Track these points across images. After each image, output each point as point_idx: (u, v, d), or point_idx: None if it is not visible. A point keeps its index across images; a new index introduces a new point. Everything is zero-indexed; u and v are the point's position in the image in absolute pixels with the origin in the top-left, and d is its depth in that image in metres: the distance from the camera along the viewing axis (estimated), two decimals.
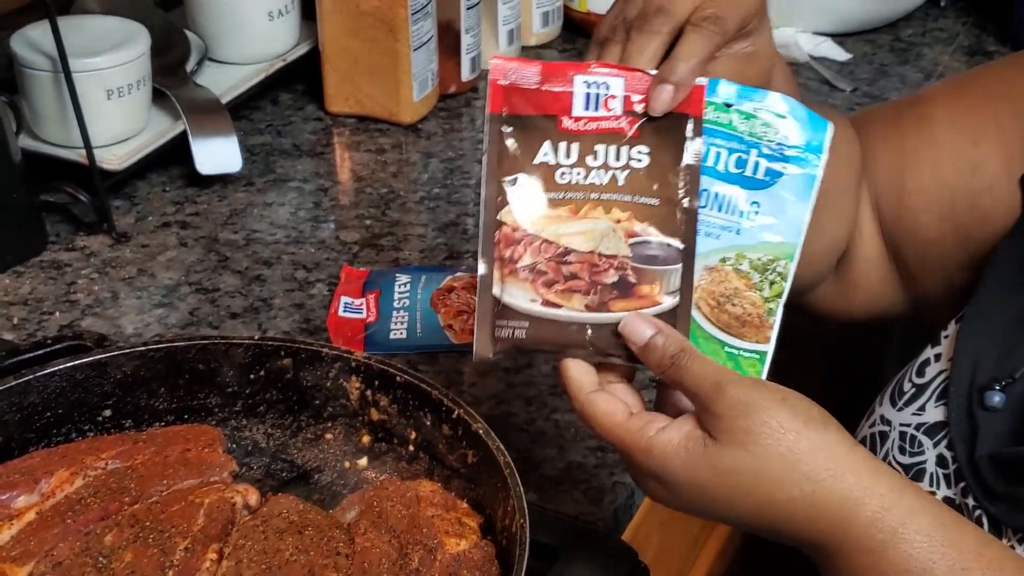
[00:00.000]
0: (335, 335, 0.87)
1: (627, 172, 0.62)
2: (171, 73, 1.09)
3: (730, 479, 0.60)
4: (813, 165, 0.64)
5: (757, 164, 0.64)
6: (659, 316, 0.62)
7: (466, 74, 1.19)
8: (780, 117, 0.64)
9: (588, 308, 0.62)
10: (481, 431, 0.68)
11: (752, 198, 0.64)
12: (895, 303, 0.88)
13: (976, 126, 0.80)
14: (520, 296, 0.62)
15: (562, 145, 0.62)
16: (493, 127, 0.62)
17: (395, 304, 0.88)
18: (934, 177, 0.82)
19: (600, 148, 0.62)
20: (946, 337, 0.78)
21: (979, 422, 0.72)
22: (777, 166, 0.64)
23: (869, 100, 1.21)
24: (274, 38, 1.16)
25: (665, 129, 0.62)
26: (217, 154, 1.05)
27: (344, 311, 0.88)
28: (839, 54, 1.28)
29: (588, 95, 0.62)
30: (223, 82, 1.12)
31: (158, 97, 1.07)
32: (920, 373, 0.79)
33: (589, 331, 0.62)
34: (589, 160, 0.62)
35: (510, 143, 0.62)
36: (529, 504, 0.64)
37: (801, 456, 0.59)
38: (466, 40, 1.18)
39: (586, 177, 0.62)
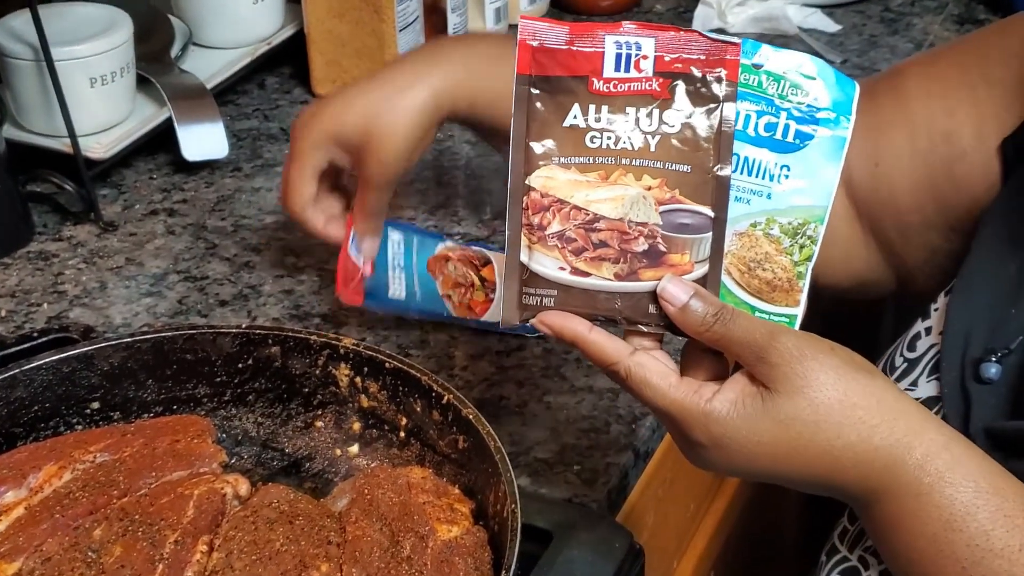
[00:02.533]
0: (342, 272, 0.84)
1: (658, 137, 0.61)
2: (155, 59, 1.08)
3: (792, 429, 0.59)
4: (843, 127, 0.64)
5: (787, 127, 0.63)
6: None
7: None
8: (809, 78, 0.63)
9: (617, 277, 0.61)
10: (471, 416, 0.68)
11: (782, 161, 0.63)
12: (876, 270, 0.87)
13: (949, 95, 0.81)
14: (549, 264, 0.61)
15: (592, 107, 0.61)
16: (521, 89, 0.61)
17: (390, 261, 0.86)
18: (909, 146, 0.82)
19: (631, 111, 0.61)
20: (936, 310, 0.78)
21: (972, 395, 0.72)
22: (807, 128, 0.63)
23: (859, 71, 1.20)
24: (259, 21, 1.15)
25: (698, 92, 0.61)
26: (203, 140, 1.04)
27: (352, 247, 0.85)
28: (829, 25, 1.27)
29: (619, 55, 0.61)
30: (208, 67, 1.11)
31: (142, 84, 1.06)
32: (911, 347, 0.78)
33: (618, 301, 0.61)
34: (620, 124, 0.61)
35: (539, 105, 0.61)
36: (522, 488, 0.64)
37: (856, 401, 0.60)
38: (452, 20, 1.16)
39: (616, 142, 0.61)
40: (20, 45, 0.99)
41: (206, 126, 1.04)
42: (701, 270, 0.62)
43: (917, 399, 0.75)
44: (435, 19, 1.15)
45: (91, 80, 1.00)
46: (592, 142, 0.61)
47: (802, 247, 0.64)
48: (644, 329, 0.62)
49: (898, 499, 0.60)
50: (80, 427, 0.73)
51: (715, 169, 0.61)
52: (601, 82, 0.61)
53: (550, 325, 0.62)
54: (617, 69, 0.61)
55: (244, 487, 0.68)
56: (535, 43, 0.61)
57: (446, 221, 1.00)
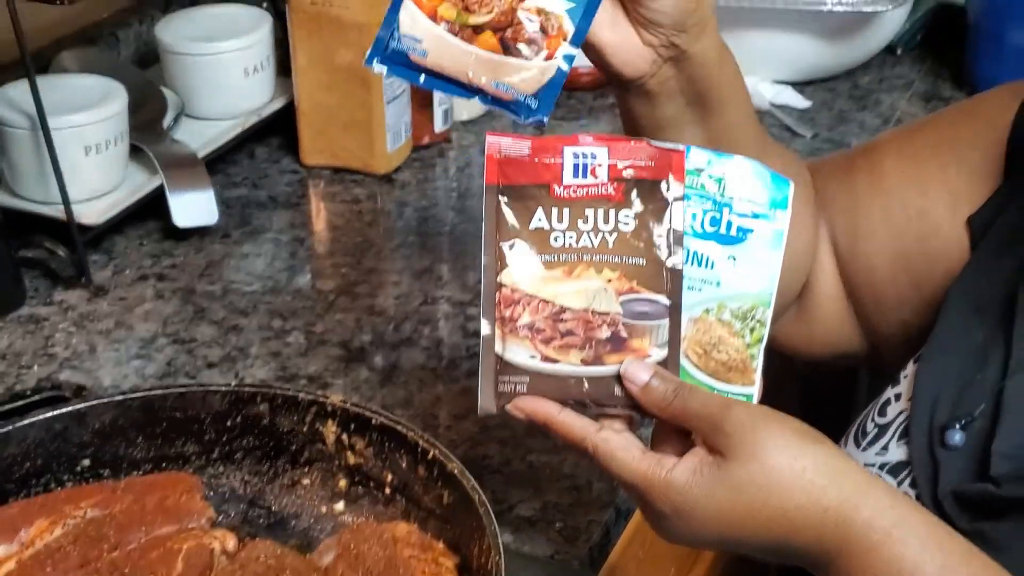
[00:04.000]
0: None
1: (615, 235, 0.66)
2: (148, 129, 1.10)
3: (746, 493, 0.62)
4: (780, 221, 0.69)
5: (730, 222, 0.69)
6: None
7: (439, 126, 1.22)
8: (745, 179, 0.68)
9: (584, 362, 0.66)
10: (456, 471, 0.69)
11: (728, 253, 0.68)
12: (853, 342, 0.90)
13: (923, 174, 0.84)
14: (520, 353, 0.66)
15: (555, 211, 0.66)
16: (490, 197, 0.67)
17: None
18: (885, 222, 0.85)
19: (590, 212, 0.66)
20: (905, 377, 0.80)
21: (940, 460, 0.74)
22: (747, 223, 0.69)
23: (830, 145, 1.24)
24: (250, 94, 1.18)
25: (649, 194, 0.67)
26: (194, 207, 1.06)
27: None
28: (799, 101, 1.31)
29: (576, 165, 0.67)
30: (200, 137, 1.13)
31: (135, 152, 1.08)
32: (882, 413, 0.81)
33: (586, 384, 0.66)
34: (580, 224, 0.66)
35: (507, 211, 0.66)
36: (505, 545, 0.65)
37: (806, 465, 0.63)
38: (438, 93, 1.20)
39: (578, 240, 0.66)
40: (17, 114, 1.01)
41: (197, 194, 1.07)
42: (661, 354, 0.66)
43: (887, 463, 0.78)
44: (422, 92, 1.19)
45: (86, 148, 1.03)
46: (556, 241, 0.66)
47: (752, 330, 0.69)
48: (611, 411, 0.66)
49: (850, 557, 0.63)
50: (71, 484, 0.74)
51: (668, 262, 0.66)
52: (562, 188, 0.67)
53: (522, 409, 0.66)
54: (575, 176, 0.67)
55: (231, 542, 0.70)
56: (500, 156, 0.67)
57: (431, 285, 1.02)
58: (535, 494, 0.81)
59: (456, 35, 0.65)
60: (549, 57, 0.65)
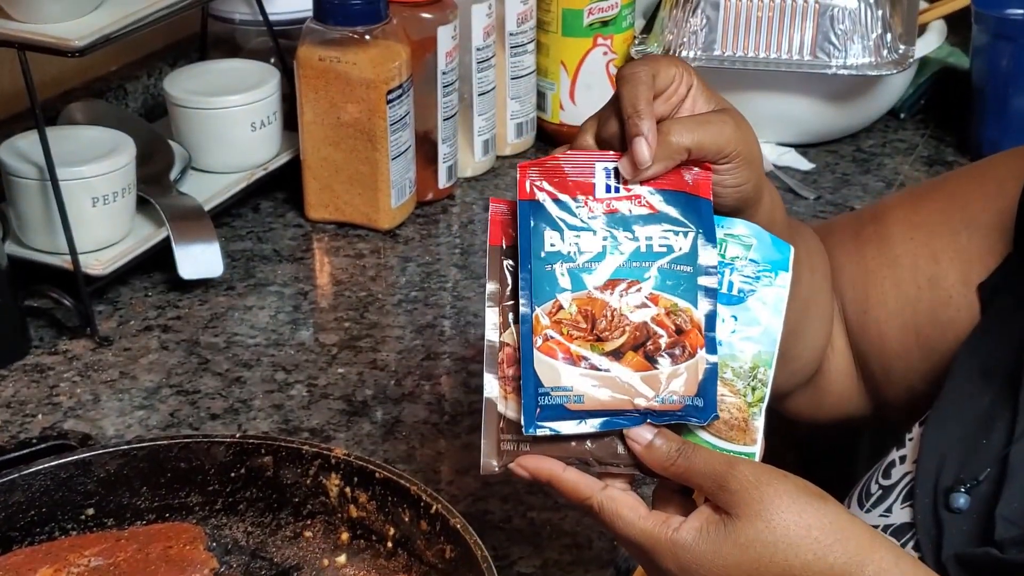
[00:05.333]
0: None
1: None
2: (155, 181, 1.12)
3: (752, 550, 0.63)
4: (781, 283, 0.70)
5: (731, 283, 0.69)
6: None
7: (443, 182, 1.23)
8: (747, 242, 0.70)
9: None
10: (459, 526, 0.69)
11: (731, 312, 0.69)
12: (860, 409, 0.91)
13: (933, 241, 0.84)
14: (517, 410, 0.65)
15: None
16: (494, 258, 0.67)
17: None
18: (896, 293, 0.85)
19: None
20: (911, 440, 0.81)
21: (944, 523, 0.74)
22: (749, 284, 0.69)
23: (832, 207, 1.25)
24: (256, 148, 1.19)
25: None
26: (199, 259, 1.07)
27: None
28: (802, 164, 1.32)
29: None
30: (206, 190, 1.15)
31: (142, 204, 1.09)
32: (886, 475, 0.81)
33: (589, 442, 0.65)
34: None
35: (509, 272, 0.67)
36: None
37: (811, 523, 0.63)
38: (443, 150, 1.21)
39: None
40: (26, 165, 1.03)
41: (202, 246, 1.08)
42: None
43: (891, 525, 0.78)
44: (426, 148, 1.20)
45: (93, 200, 1.04)
46: None
47: (754, 389, 0.69)
48: (614, 470, 0.66)
49: None
50: (75, 532, 0.74)
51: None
52: None
53: (526, 467, 0.66)
54: None
55: None
56: (503, 218, 0.68)
57: (433, 340, 1.03)
58: (535, 551, 0.81)
59: (600, 369, 0.64)
60: (692, 354, 0.64)
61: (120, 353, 1.01)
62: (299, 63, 1.14)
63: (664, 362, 0.64)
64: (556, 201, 0.67)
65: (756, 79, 1.30)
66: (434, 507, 0.71)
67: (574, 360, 0.64)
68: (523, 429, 0.64)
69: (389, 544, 0.74)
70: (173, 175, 1.14)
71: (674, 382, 0.64)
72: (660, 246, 0.66)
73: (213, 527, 0.76)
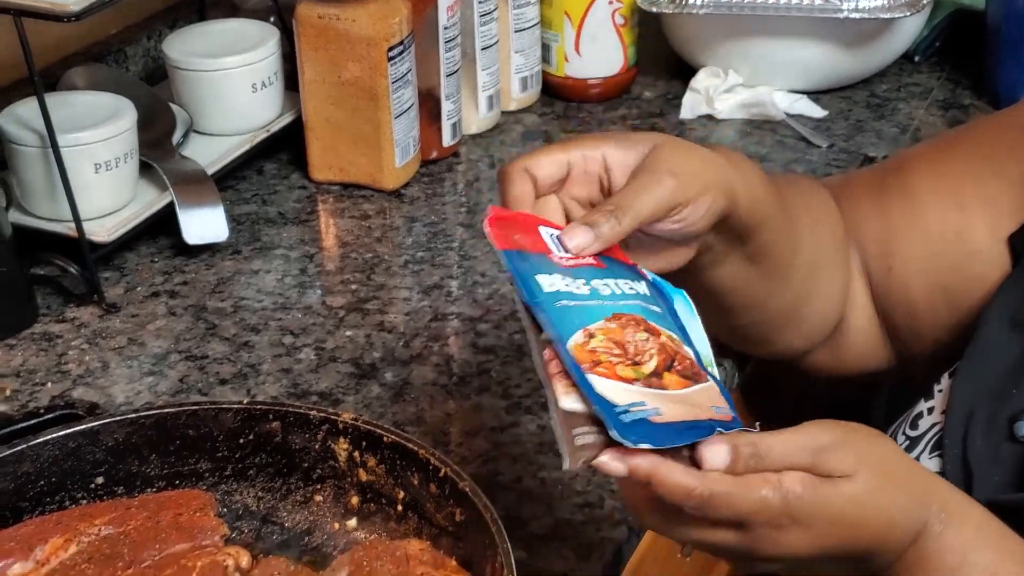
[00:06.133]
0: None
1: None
2: (157, 146, 1.11)
3: (862, 504, 0.62)
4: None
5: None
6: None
7: (447, 140, 1.22)
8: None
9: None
10: (468, 489, 0.69)
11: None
12: (883, 362, 0.90)
13: (959, 191, 0.82)
14: (577, 400, 0.60)
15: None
16: (508, 263, 0.64)
17: None
18: (923, 247, 0.83)
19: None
20: (940, 391, 0.80)
21: (974, 470, 0.74)
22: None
23: (846, 156, 1.24)
24: (258, 110, 1.18)
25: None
26: (204, 224, 1.07)
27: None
28: (815, 111, 1.31)
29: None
30: (209, 153, 1.14)
31: (145, 169, 1.09)
32: (913, 426, 0.81)
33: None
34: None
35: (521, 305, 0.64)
36: (517, 562, 0.65)
37: (905, 471, 0.64)
38: (446, 107, 1.20)
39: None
40: (26, 132, 1.02)
41: (207, 210, 1.07)
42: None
43: None
44: (430, 106, 1.19)
45: (95, 166, 1.03)
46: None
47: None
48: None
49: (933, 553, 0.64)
50: (84, 501, 0.74)
51: None
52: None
53: (621, 466, 0.59)
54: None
55: (245, 559, 0.70)
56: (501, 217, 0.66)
57: (440, 301, 1.02)
58: (547, 511, 0.81)
59: (654, 387, 0.61)
60: (703, 376, 0.64)
61: (128, 320, 1.01)
62: (298, 21, 1.13)
63: (698, 380, 0.63)
64: (531, 252, 0.65)
65: (766, 24, 1.28)
66: (443, 470, 0.70)
67: (628, 381, 0.61)
68: (628, 444, 0.59)
69: (399, 507, 0.74)
70: (175, 139, 1.13)
71: (708, 394, 0.63)
72: (630, 290, 0.65)
73: (223, 493, 0.76)
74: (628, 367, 0.62)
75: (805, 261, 0.81)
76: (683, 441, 0.59)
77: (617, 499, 0.82)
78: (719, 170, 0.70)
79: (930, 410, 0.80)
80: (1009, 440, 0.74)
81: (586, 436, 0.60)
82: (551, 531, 0.80)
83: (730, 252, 0.76)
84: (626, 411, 0.59)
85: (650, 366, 0.62)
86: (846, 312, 0.87)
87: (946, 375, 0.80)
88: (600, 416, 0.58)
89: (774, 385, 1.11)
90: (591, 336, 0.62)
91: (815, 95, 1.33)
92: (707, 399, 0.62)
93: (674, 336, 0.65)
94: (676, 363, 0.63)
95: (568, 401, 0.60)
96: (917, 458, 0.78)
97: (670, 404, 0.61)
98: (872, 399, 1.33)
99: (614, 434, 0.58)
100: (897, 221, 0.84)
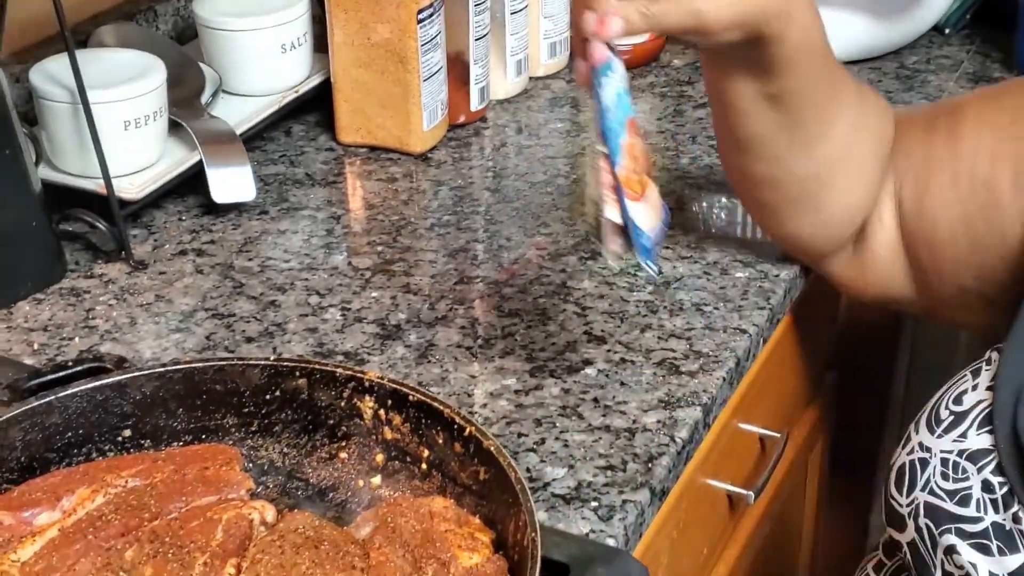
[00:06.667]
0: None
1: None
2: (186, 105, 1.11)
3: None
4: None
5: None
6: None
7: (475, 104, 1.22)
8: None
9: None
10: (492, 448, 0.69)
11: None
12: (906, 292, 0.93)
13: (996, 143, 0.86)
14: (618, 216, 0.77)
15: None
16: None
17: None
18: (953, 186, 0.87)
19: None
20: (987, 369, 0.81)
21: None
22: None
23: None
24: (287, 70, 1.18)
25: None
26: (232, 184, 1.07)
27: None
28: None
29: None
30: (237, 113, 1.14)
31: (174, 128, 1.09)
32: (957, 401, 0.81)
33: None
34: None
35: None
36: (539, 522, 0.65)
37: None
38: (475, 71, 1.20)
39: None
40: (57, 88, 1.02)
41: (235, 170, 1.07)
42: None
43: (965, 450, 0.80)
44: (458, 69, 1.19)
45: (125, 123, 1.03)
46: None
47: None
48: None
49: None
50: (112, 454, 0.75)
51: None
52: None
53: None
54: None
55: (271, 513, 0.70)
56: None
57: (466, 264, 1.03)
58: (570, 473, 0.82)
59: (642, 195, 0.78)
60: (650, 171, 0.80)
61: (155, 277, 1.01)
62: None
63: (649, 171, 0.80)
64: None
65: None
66: (468, 429, 0.71)
67: (637, 199, 0.77)
68: (653, 273, 0.79)
69: (423, 466, 0.74)
70: (204, 99, 1.13)
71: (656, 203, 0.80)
72: (619, 81, 0.77)
73: (249, 448, 0.77)
74: (636, 180, 0.77)
75: (837, 145, 0.87)
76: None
77: (639, 463, 0.82)
78: None
79: (975, 387, 0.80)
80: None
81: (617, 244, 0.77)
82: (573, 493, 0.80)
83: (751, 73, 0.83)
84: (648, 237, 0.77)
85: (642, 172, 0.78)
86: (871, 229, 0.91)
87: (992, 351, 0.80)
88: (631, 236, 0.77)
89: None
90: (624, 156, 0.77)
91: (845, 66, 1.32)
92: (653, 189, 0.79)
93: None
94: (646, 165, 0.79)
95: (611, 213, 0.76)
96: (964, 434, 0.80)
97: (648, 215, 0.78)
98: (891, 371, 1.34)
99: (639, 257, 0.77)
100: (938, 157, 0.88)
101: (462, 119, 1.22)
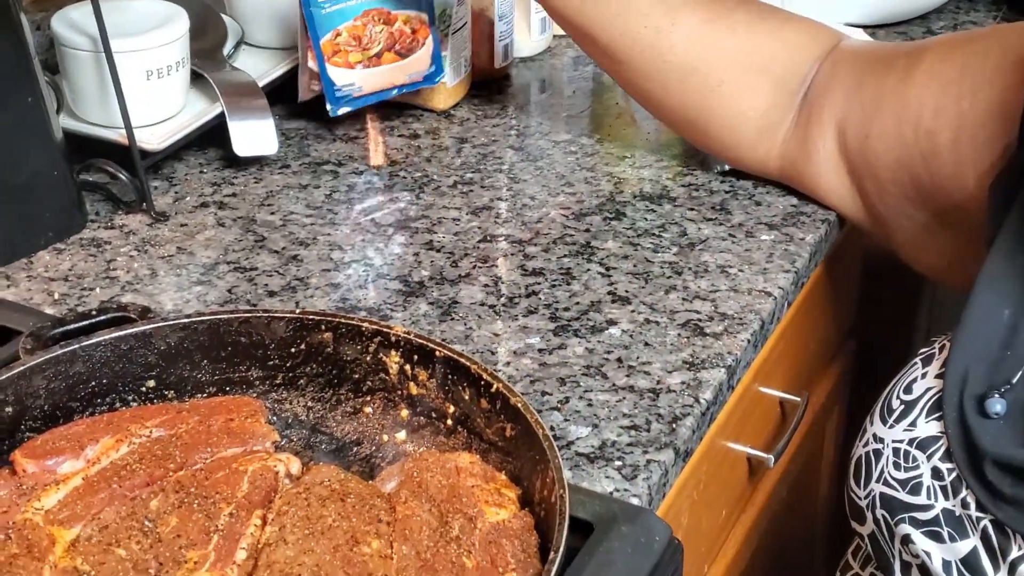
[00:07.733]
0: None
1: None
2: (208, 56, 1.10)
3: None
4: None
5: None
6: None
7: (499, 61, 1.20)
8: None
9: None
10: (520, 404, 0.69)
11: None
12: (855, 210, 0.97)
13: (941, 97, 0.87)
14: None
15: None
16: None
17: None
18: (895, 130, 0.89)
19: None
20: (938, 358, 0.82)
21: (976, 431, 0.74)
22: None
23: None
24: None
25: None
26: (254, 136, 1.06)
27: None
28: None
29: None
30: (259, 66, 1.13)
31: (196, 80, 1.08)
32: (907, 391, 0.81)
33: None
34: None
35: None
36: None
37: None
38: (499, 27, 1.19)
39: None
40: (79, 36, 1.01)
41: (257, 122, 1.06)
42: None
43: (915, 438, 0.80)
44: (482, 25, 1.18)
45: (147, 73, 1.02)
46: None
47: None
48: None
49: None
50: (135, 404, 0.74)
51: None
52: None
53: None
54: None
55: (296, 466, 0.70)
56: None
57: (489, 222, 1.02)
58: (594, 432, 0.81)
59: (370, 66, 1.04)
60: (424, 41, 1.06)
61: (176, 229, 1.00)
62: None
63: (411, 51, 1.05)
64: None
65: None
66: (495, 385, 0.70)
67: (352, 66, 1.03)
68: (330, 112, 1.06)
69: (449, 422, 0.74)
70: (226, 50, 1.12)
71: (418, 63, 1.06)
72: None
73: (274, 401, 0.76)
74: (357, 53, 1.03)
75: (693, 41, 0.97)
76: (375, 100, 1.07)
77: (663, 424, 0.82)
78: None
79: (924, 375, 0.81)
80: (981, 416, 0.75)
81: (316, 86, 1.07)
82: (597, 452, 0.80)
83: None
84: (341, 89, 1.04)
85: (374, 50, 1.03)
86: (812, 148, 0.94)
87: (946, 339, 0.80)
88: (324, 91, 1.05)
89: None
90: (339, 35, 1.02)
91: (871, 29, 1.31)
92: (414, 67, 1.06)
93: (412, 16, 1.04)
94: (397, 44, 1.04)
95: (313, 65, 1.04)
96: (913, 422, 0.80)
97: (372, 79, 1.05)
98: (916, 308, 1.34)
99: (328, 106, 1.06)
100: (887, 98, 0.89)
101: (486, 76, 1.21)
